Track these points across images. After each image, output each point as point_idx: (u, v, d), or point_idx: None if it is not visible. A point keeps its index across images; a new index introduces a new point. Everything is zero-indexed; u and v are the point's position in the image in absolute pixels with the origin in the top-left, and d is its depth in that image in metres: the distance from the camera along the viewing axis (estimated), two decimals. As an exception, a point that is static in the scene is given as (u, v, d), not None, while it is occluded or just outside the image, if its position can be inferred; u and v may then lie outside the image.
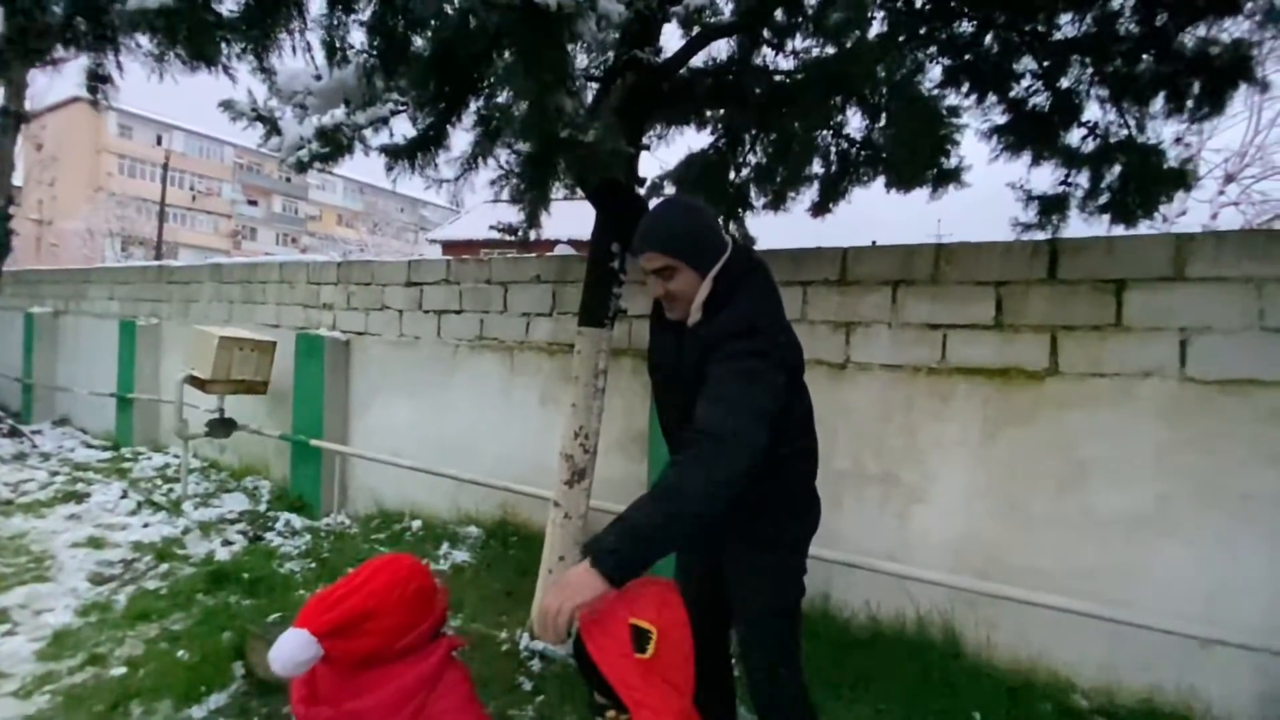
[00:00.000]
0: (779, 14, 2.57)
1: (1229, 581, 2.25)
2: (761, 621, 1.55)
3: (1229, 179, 10.88)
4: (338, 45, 1.94)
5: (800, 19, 2.65)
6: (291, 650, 1.10)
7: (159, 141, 37.10)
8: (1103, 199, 2.57)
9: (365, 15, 2.10)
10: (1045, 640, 2.50)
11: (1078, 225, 2.62)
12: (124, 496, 4.66)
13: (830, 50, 2.57)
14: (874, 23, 2.48)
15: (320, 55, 2.00)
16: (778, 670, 1.54)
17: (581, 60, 2.39)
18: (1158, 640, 2.23)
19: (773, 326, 1.44)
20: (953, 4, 2.55)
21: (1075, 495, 2.49)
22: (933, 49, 2.67)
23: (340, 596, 1.18)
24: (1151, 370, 2.37)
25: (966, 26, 2.63)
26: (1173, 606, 2.28)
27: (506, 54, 1.77)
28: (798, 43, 2.63)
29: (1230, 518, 2.26)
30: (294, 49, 1.89)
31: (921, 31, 2.58)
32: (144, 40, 1.80)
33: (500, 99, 2.24)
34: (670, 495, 1.20)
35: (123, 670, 2.48)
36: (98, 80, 2.16)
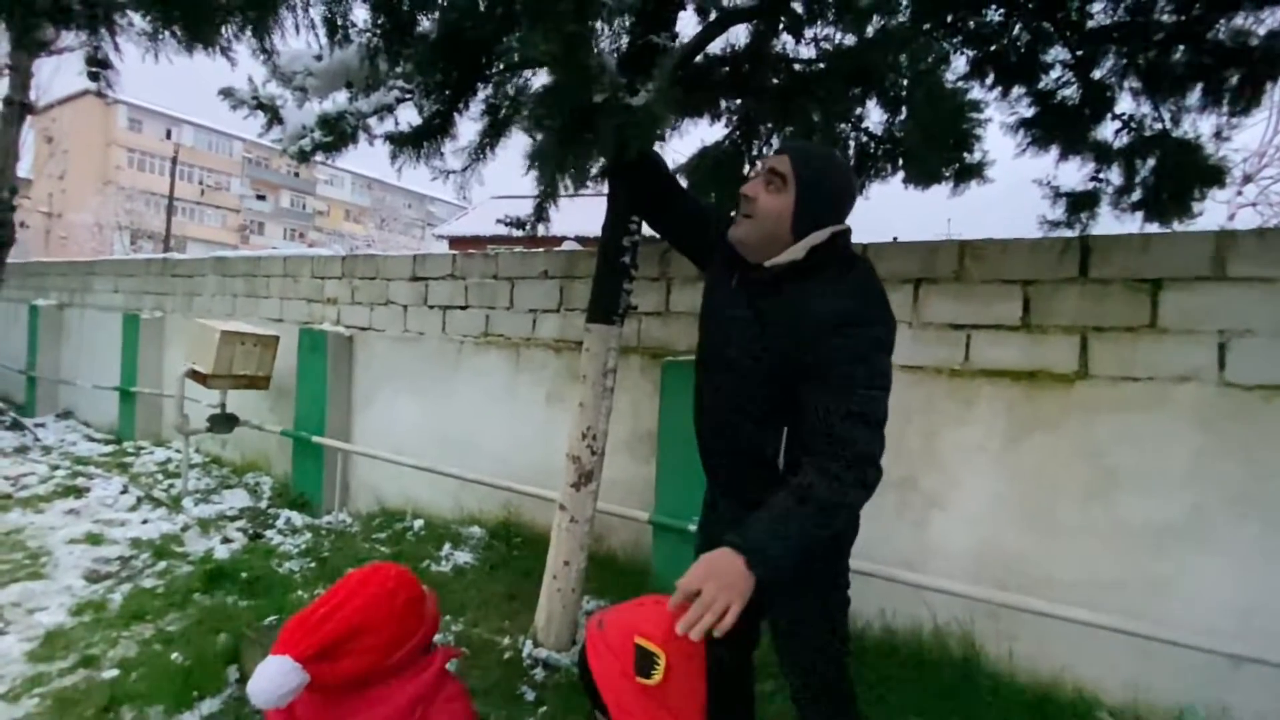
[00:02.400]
0: (798, 1, 2.47)
1: (1266, 597, 2.14)
2: (806, 638, 1.43)
3: (1247, 179, 10.69)
4: (339, 23, 1.84)
5: (818, 5, 2.55)
6: (274, 680, 1.00)
7: (168, 135, 37.33)
8: (1136, 195, 2.46)
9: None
10: (1070, 655, 2.40)
11: (1109, 223, 2.52)
12: (124, 492, 4.60)
13: (851, 39, 2.48)
14: (899, 10, 2.39)
15: (322, 33, 1.90)
16: (825, 689, 1.43)
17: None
18: (1189, 657, 2.13)
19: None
20: (980, -11, 2.45)
21: (1104, 504, 2.38)
22: (958, 39, 2.57)
23: (323, 616, 1.08)
24: (1188, 374, 2.26)
25: (994, 15, 2.53)
26: (1205, 622, 2.17)
27: (519, 27, 1.66)
28: (818, 30, 2.53)
29: (1269, 530, 2.15)
30: (296, 27, 1.81)
31: (948, 20, 2.48)
32: (138, 19, 1.71)
33: (513, 82, 2.13)
34: (827, 516, 1.14)
35: (115, 672, 2.41)
36: (97, 65, 2.07)
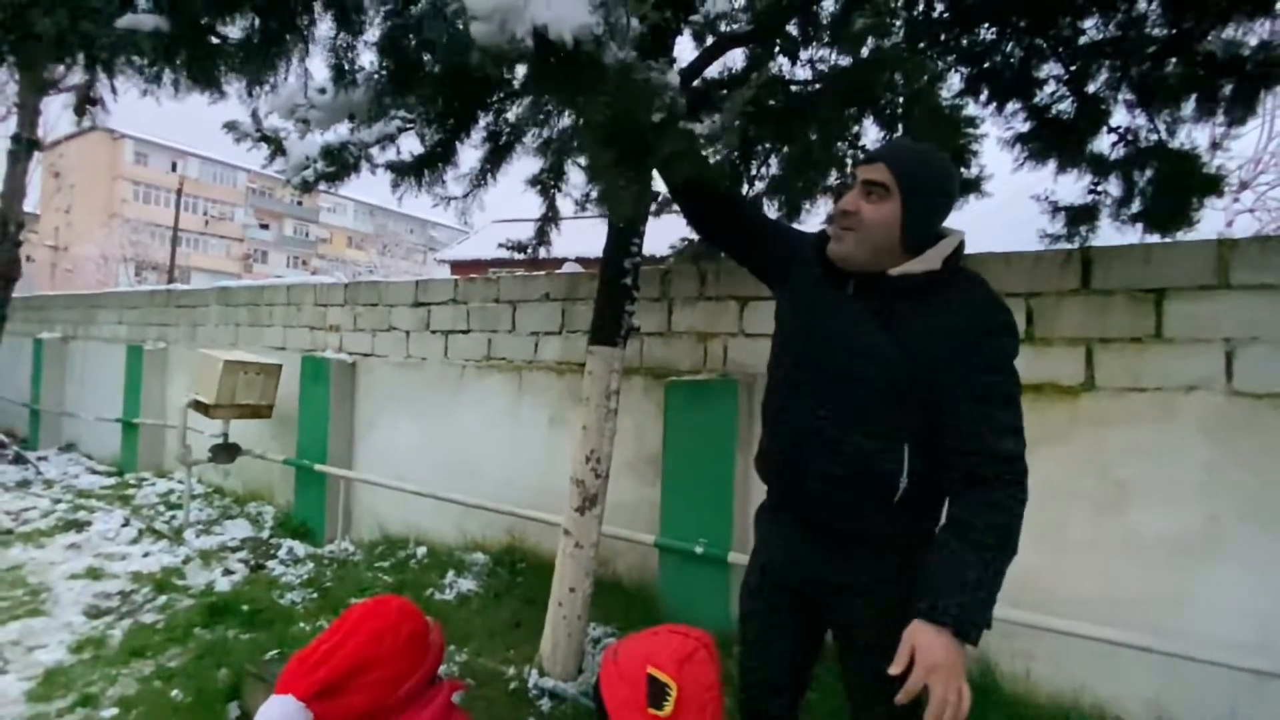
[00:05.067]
0: (794, 24, 2.51)
1: (1286, 609, 2.10)
2: (897, 679, 1.33)
3: (1243, 186, 10.76)
4: (346, 68, 1.87)
5: (813, 29, 2.59)
6: None
7: (173, 168, 37.87)
8: (1135, 207, 2.47)
9: (374, 36, 2.04)
10: (1088, 673, 2.34)
11: (1110, 234, 2.52)
12: (125, 524, 4.57)
13: (847, 60, 2.51)
14: (893, 31, 2.42)
15: (323, 75, 1.93)
16: None
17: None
18: (1209, 673, 2.08)
19: None
20: (972, 10, 2.48)
21: (1116, 518, 2.35)
22: (952, 57, 2.60)
23: (326, 653, 1.06)
24: (1196, 383, 2.24)
25: (986, 34, 2.56)
26: (1224, 636, 2.13)
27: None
28: (814, 53, 2.57)
29: (1286, 541, 2.11)
30: (306, 86, 1.84)
31: (941, 39, 2.52)
32: (137, 60, 1.74)
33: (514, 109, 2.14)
34: (1009, 550, 1.13)
35: (114, 711, 2.37)
36: (88, 102, 2.12)
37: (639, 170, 1.64)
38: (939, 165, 1.29)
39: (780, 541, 1.41)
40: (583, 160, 1.84)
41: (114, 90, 1.88)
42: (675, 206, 3.08)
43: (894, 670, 1.04)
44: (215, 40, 1.79)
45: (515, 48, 1.27)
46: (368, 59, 2.01)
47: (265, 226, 43.97)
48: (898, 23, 2.26)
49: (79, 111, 2.01)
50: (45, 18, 1.48)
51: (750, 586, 1.47)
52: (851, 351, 1.24)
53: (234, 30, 1.69)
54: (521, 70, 1.45)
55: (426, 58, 1.98)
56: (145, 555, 4.01)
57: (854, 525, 1.28)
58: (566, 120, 2.40)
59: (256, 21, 1.66)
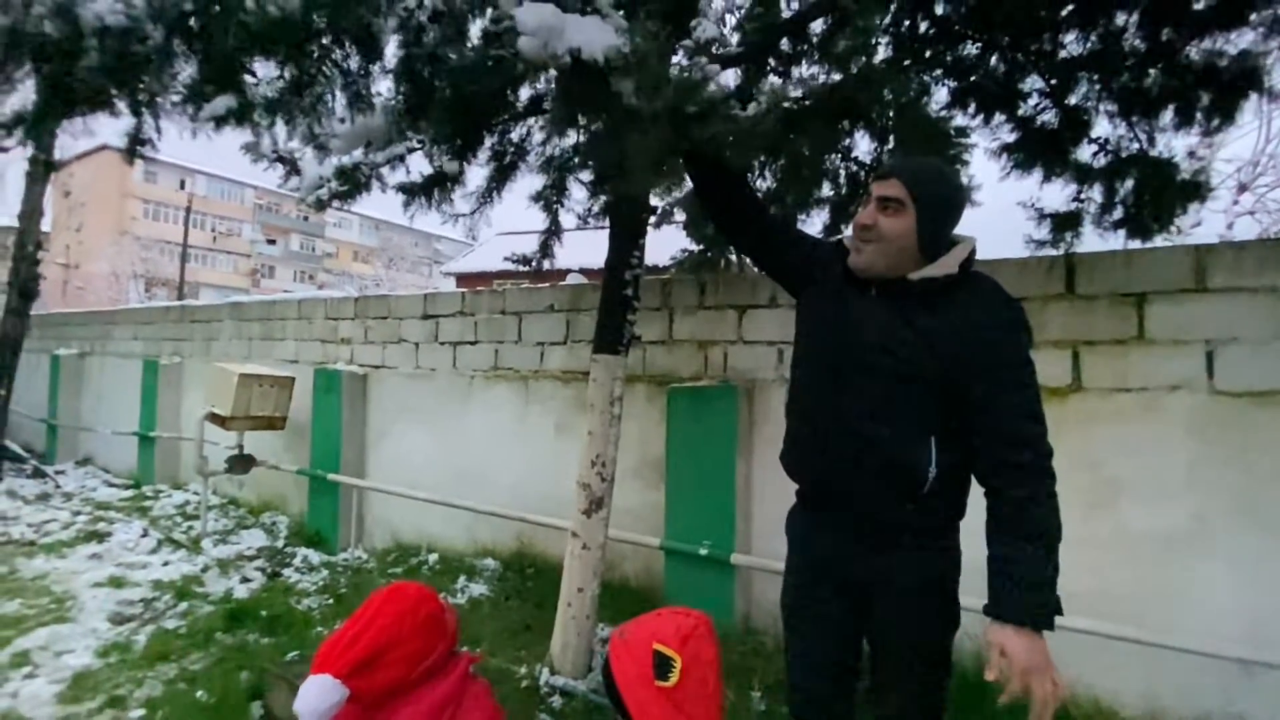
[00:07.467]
0: (785, 43, 2.62)
1: (1270, 601, 2.16)
2: (919, 670, 1.39)
3: (1242, 188, 10.77)
4: (365, 96, 2.01)
5: (805, 47, 2.70)
6: (317, 697, 1.09)
7: (182, 186, 38.39)
8: (1117, 214, 2.55)
9: (391, 64, 2.16)
10: (1083, 668, 2.40)
11: (1093, 241, 2.60)
12: (144, 535, 4.68)
13: (837, 77, 2.61)
14: (879, 48, 2.52)
15: (344, 105, 2.07)
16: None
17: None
18: (1201, 665, 2.15)
19: None
20: (956, 27, 2.59)
21: (1106, 515, 2.42)
22: (938, 72, 2.70)
23: (355, 634, 1.18)
24: (1179, 383, 2.32)
25: (971, 49, 2.67)
26: (1214, 628, 2.19)
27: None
28: (804, 70, 2.67)
29: (1269, 533, 2.18)
30: (333, 110, 1.98)
31: (926, 55, 2.62)
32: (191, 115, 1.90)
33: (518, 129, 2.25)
34: (1057, 532, 1.20)
35: (141, 712, 2.46)
36: (138, 143, 2.26)
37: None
38: (949, 178, 1.39)
39: (814, 538, 1.46)
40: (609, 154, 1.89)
41: (159, 130, 2.01)
42: (683, 218, 3.19)
43: (990, 677, 1.14)
44: (264, 94, 1.94)
45: (556, 63, 1.41)
46: (384, 85, 2.13)
47: (272, 242, 44.42)
48: (883, 41, 2.35)
49: (131, 153, 2.14)
50: (107, 79, 1.60)
51: (789, 586, 1.52)
52: (877, 348, 1.31)
53: (267, 69, 1.83)
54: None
55: (439, 84, 2.10)
56: (165, 564, 4.11)
57: (883, 517, 1.34)
58: (578, 136, 2.52)
59: (286, 67, 1.79)
